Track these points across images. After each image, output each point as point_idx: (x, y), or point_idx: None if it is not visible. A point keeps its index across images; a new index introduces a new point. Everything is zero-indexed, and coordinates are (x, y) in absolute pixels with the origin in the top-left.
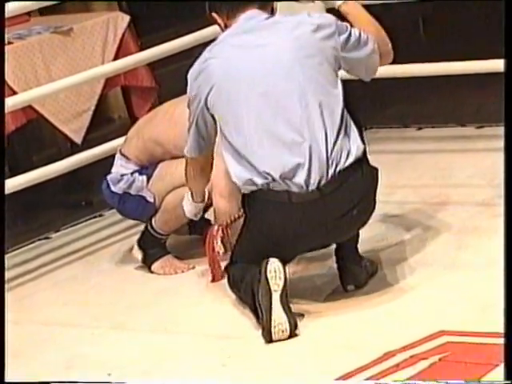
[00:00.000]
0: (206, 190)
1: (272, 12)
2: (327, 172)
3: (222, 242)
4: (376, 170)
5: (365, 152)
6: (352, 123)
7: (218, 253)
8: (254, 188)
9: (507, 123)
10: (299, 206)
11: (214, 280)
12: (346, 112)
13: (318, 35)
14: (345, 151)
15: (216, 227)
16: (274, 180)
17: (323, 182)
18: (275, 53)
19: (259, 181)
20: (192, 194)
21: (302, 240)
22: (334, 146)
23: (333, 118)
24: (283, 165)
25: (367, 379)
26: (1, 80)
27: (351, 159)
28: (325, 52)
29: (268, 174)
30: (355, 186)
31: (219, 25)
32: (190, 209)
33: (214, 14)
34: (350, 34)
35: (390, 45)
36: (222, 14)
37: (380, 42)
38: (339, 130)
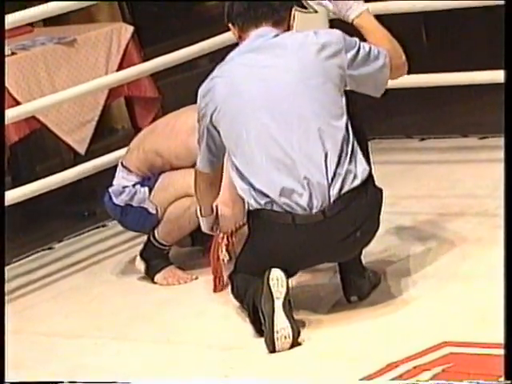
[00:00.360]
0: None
1: (288, 28)
2: (329, 196)
3: (226, 249)
4: (380, 190)
5: (370, 173)
6: (356, 144)
7: (223, 260)
8: (257, 206)
9: (507, 134)
10: (303, 228)
11: (216, 290)
12: (350, 132)
13: (323, 54)
14: (349, 174)
15: (221, 235)
16: (273, 201)
17: (325, 205)
18: (279, 74)
19: (261, 200)
20: (201, 209)
21: (304, 260)
22: (336, 170)
23: (334, 142)
24: (281, 186)
25: None
26: (1, 91)
27: (356, 182)
28: (329, 72)
29: (267, 194)
30: (359, 209)
31: (234, 35)
32: (203, 224)
33: (229, 25)
34: (358, 50)
35: (403, 57)
36: (236, 26)
37: (393, 55)
38: (341, 152)
